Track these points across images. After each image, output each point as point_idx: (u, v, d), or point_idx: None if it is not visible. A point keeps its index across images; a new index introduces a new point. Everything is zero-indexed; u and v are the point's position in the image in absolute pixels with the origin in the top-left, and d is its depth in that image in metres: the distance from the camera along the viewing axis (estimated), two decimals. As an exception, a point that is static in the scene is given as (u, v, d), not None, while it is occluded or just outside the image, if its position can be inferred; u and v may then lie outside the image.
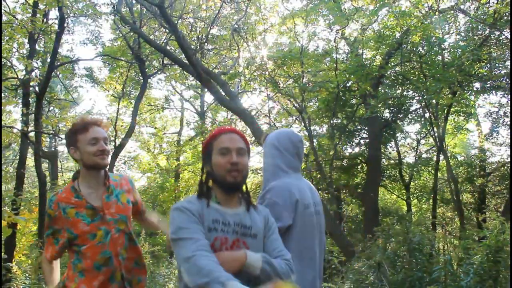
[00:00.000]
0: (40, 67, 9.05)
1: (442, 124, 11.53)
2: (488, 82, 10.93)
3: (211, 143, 1.66)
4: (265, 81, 11.27)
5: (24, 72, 8.79)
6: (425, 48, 9.66)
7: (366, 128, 12.99)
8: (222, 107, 11.22)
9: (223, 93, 8.44)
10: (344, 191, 14.37)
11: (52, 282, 2.05)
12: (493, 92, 11.50)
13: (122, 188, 2.11)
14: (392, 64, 10.54)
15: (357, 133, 13.82)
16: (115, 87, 14.32)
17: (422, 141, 14.84)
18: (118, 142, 11.32)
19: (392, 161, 14.56)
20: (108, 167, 2.13)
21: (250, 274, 1.48)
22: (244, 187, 1.69)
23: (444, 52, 10.07)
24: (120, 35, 11.16)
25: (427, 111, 11.45)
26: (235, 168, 1.58)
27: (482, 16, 9.69)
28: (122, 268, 1.98)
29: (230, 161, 1.58)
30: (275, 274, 1.50)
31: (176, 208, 1.56)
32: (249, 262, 1.49)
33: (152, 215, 2.40)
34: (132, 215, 2.16)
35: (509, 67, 9.79)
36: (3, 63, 8.70)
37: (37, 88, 8.81)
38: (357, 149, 14.26)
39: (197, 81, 11.44)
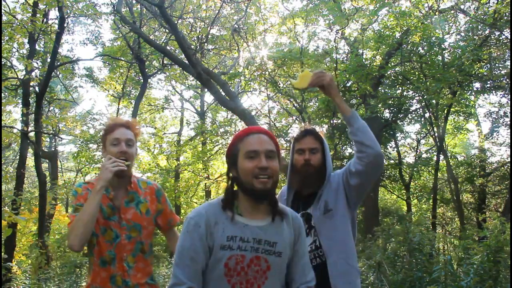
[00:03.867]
0: (40, 67, 9.05)
1: (442, 124, 11.53)
2: (488, 82, 10.93)
3: (236, 145, 1.48)
4: (265, 81, 11.27)
5: (24, 72, 8.79)
6: (425, 48, 9.66)
7: (366, 128, 12.96)
8: (222, 107, 11.22)
9: (223, 93, 8.44)
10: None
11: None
12: (493, 92, 11.51)
13: (145, 198, 2.07)
14: (392, 64, 10.54)
15: (357, 133, 13.79)
16: (115, 87, 14.32)
17: (422, 141, 14.86)
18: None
19: (392, 161, 14.56)
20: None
21: None
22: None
23: (444, 52, 10.07)
24: (120, 35, 11.16)
25: (427, 111, 11.46)
26: (264, 173, 1.40)
27: (482, 16, 9.69)
28: (126, 275, 1.95)
29: (259, 165, 1.40)
30: None
31: (188, 222, 1.45)
32: None
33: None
34: (158, 226, 2.12)
35: (509, 67, 9.79)
36: (3, 63, 8.70)
37: (37, 88, 8.82)
38: (357, 149, 14.23)
39: (197, 81, 11.44)
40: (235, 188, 1.50)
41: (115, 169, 1.88)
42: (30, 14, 7.63)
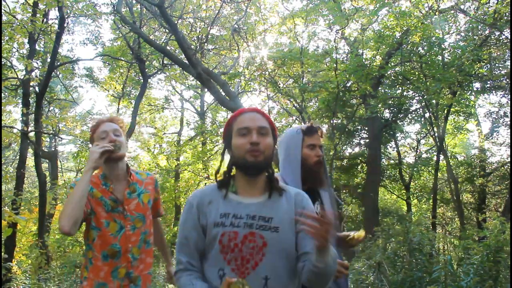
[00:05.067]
0: (40, 67, 9.05)
1: (442, 124, 11.53)
2: (488, 82, 10.94)
3: (231, 125, 1.53)
4: (265, 81, 11.27)
5: (24, 72, 8.79)
6: (425, 48, 9.67)
7: (366, 128, 12.99)
8: (222, 107, 11.22)
9: (223, 93, 8.44)
10: (344, 191, 14.37)
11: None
12: (493, 92, 11.51)
13: (146, 188, 2.14)
14: (392, 64, 10.54)
15: (357, 133, 13.82)
16: (115, 87, 14.32)
17: (422, 141, 14.86)
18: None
19: (392, 161, 14.56)
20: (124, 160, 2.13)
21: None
22: (269, 171, 1.52)
23: (444, 52, 10.07)
24: (120, 35, 11.16)
25: (427, 111, 11.46)
26: (255, 148, 1.44)
27: (482, 16, 9.69)
28: (130, 266, 1.98)
29: (250, 140, 1.44)
30: (328, 277, 1.40)
31: (187, 202, 1.54)
32: (329, 250, 1.35)
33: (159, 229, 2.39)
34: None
35: (509, 67, 9.79)
36: (3, 63, 8.70)
37: (37, 88, 8.81)
38: (357, 149, 14.27)
39: (197, 81, 11.44)
40: (233, 169, 1.54)
41: (101, 150, 1.93)
42: (30, 14, 7.63)
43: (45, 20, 9.42)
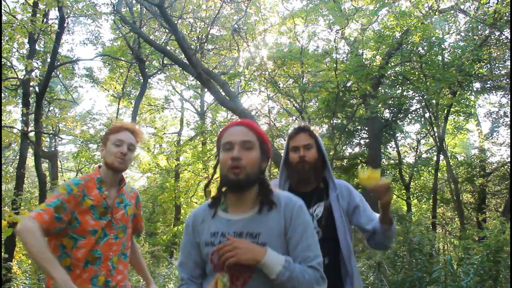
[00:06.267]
0: (40, 67, 9.05)
1: (442, 124, 11.53)
2: (488, 82, 10.94)
3: (220, 140, 1.50)
4: (265, 81, 11.26)
5: (24, 72, 8.78)
6: (425, 48, 9.66)
7: (366, 128, 12.99)
8: (222, 107, 11.21)
9: (223, 93, 8.44)
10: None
11: (52, 260, 1.73)
12: (493, 92, 11.51)
13: (130, 202, 2.18)
14: (392, 64, 10.54)
15: (357, 133, 13.82)
16: (115, 87, 14.32)
17: (422, 141, 14.86)
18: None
19: (392, 161, 14.56)
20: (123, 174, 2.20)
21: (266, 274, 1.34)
22: (263, 184, 1.48)
23: (444, 52, 10.07)
24: (120, 35, 11.16)
25: (427, 111, 11.46)
26: (236, 164, 1.39)
27: (482, 16, 9.69)
28: (109, 275, 1.96)
29: (231, 156, 1.40)
30: (295, 283, 1.33)
31: (187, 219, 1.56)
32: (265, 262, 1.33)
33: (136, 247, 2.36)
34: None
35: (509, 67, 9.79)
36: (3, 63, 8.70)
37: (37, 88, 8.81)
38: (357, 149, 14.26)
39: (197, 81, 11.44)
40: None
41: None
42: (30, 14, 7.62)
43: (45, 20, 9.41)
